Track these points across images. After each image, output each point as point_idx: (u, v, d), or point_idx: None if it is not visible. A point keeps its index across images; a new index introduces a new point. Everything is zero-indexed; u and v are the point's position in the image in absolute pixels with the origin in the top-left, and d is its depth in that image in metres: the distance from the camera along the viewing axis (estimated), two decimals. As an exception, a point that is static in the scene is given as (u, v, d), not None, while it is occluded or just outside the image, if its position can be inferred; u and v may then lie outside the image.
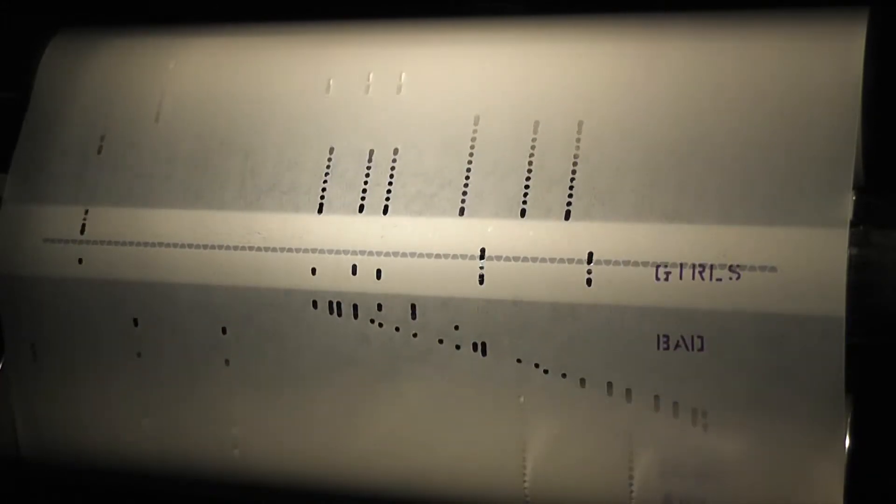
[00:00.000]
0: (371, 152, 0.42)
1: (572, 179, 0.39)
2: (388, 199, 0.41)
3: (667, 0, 0.43)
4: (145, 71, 0.46)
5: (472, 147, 0.41)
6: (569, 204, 0.39)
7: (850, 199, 0.37)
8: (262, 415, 0.43)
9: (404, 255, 0.41)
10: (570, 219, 0.39)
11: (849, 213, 0.37)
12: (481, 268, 0.40)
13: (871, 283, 0.37)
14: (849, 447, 0.38)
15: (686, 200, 0.38)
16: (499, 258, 0.40)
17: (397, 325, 0.41)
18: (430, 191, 0.41)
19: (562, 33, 0.43)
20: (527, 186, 0.40)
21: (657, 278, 0.38)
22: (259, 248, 0.42)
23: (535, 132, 0.40)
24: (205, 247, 0.43)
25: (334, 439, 0.43)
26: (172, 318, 0.43)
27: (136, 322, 0.44)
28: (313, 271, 0.41)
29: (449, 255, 0.40)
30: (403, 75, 0.42)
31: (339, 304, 0.41)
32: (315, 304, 0.41)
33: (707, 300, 0.37)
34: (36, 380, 0.46)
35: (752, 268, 0.37)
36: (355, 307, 0.41)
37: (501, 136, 0.41)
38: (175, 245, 0.43)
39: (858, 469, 0.38)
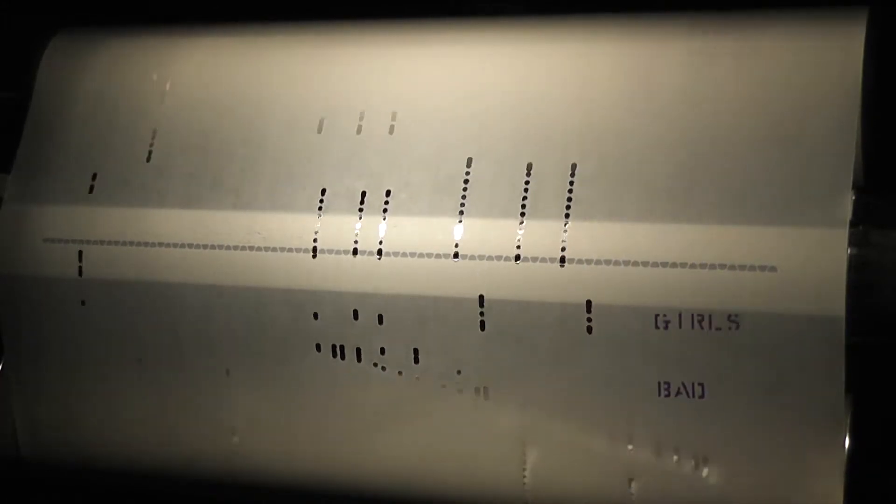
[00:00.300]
0: (363, 194, 0.41)
1: (566, 224, 0.39)
2: (381, 242, 0.41)
3: (666, 0, 0.43)
4: (138, 103, 0.45)
5: (465, 189, 0.40)
6: (563, 249, 0.39)
7: (849, 199, 0.37)
8: (260, 412, 0.43)
9: (404, 299, 0.41)
10: (566, 265, 0.39)
11: (848, 213, 0.37)
12: (482, 314, 0.40)
13: (871, 283, 0.37)
14: (849, 447, 0.38)
15: (687, 205, 0.38)
16: (498, 304, 0.40)
17: (400, 370, 0.41)
18: (424, 234, 0.40)
19: (555, 62, 0.42)
20: (521, 231, 0.40)
21: (656, 326, 0.38)
22: (259, 248, 0.42)
23: (528, 174, 0.40)
24: (205, 247, 0.43)
25: (335, 452, 0.43)
26: (172, 318, 0.43)
27: (134, 322, 0.44)
28: (315, 315, 0.41)
29: (448, 300, 0.40)
30: (396, 115, 0.42)
31: (342, 347, 0.41)
32: (319, 347, 0.42)
33: (707, 349, 0.38)
34: (36, 380, 0.46)
35: (752, 268, 0.37)
36: (358, 351, 0.41)
37: (494, 178, 0.40)
38: (175, 245, 0.43)
39: (858, 469, 0.38)
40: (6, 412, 0.47)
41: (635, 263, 0.38)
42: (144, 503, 0.49)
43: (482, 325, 0.40)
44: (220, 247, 0.42)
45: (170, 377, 0.44)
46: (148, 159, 0.44)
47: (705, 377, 0.38)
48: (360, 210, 0.41)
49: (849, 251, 0.36)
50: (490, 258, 0.40)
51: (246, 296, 0.42)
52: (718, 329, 0.37)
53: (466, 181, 0.40)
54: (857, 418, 0.39)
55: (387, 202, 0.41)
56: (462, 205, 0.40)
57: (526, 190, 0.40)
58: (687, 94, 0.40)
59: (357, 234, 0.41)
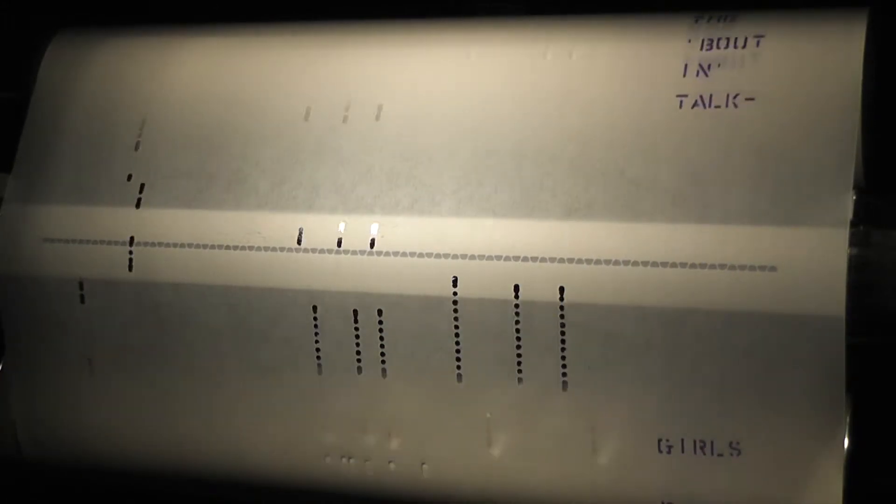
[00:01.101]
0: (355, 312, 0.41)
1: (563, 349, 0.39)
2: (383, 360, 0.41)
3: (667, 1, 0.43)
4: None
5: (455, 311, 0.40)
6: (564, 375, 0.39)
7: (850, 199, 0.37)
8: (261, 413, 0.43)
9: (412, 420, 0.41)
10: (568, 389, 0.39)
11: (849, 213, 0.37)
12: (488, 434, 0.40)
13: (871, 283, 0.37)
14: (848, 447, 0.38)
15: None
16: (505, 426, 0.40)
17: (408, 487, 0.42)
18: (424, 354, 0.40)
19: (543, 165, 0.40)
20: (518, 354, 0.40)
21: (660, 451, 0.39)
22: (259, 248, 0.42)
23: (516, 296, 0.39)
24: (205, 247, 0.43)
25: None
26: (173, 317, 0.43)
27: (136, 322, 0.44)
28: (322, 427, 0.42)
29: (455, 422, 0.41)
30: (374, 228, 0.41)
31: (350, 458, 0.42)
32: (327, 458, 0.42)
33: (709, 474, 0.38)
34: (36, 380, 0.46)
35: (752, 268, 0.37)
36: (367, 462, 0.42)
37: (483, 299, 0.40)
38: (175, 245, 0.43)
39: (858, 469, 0.38)
40: (6, 412, 0.47)
41: (635, 263, 0.38)
42: (144, 503, 0.49)
43: (489, 442, 0.41)
44: (220, 247, 0.42)
45: (170, 377, 0.44)
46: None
47: (707, 501, 0.39)
48: (356, 329, 0.41)
49: (849, 251, 0.36)
50: (492, 380, 0.40)
51: (246, 296, 0.42)
52: (720, 455, 0.38)
53: (456, 303, 0.40)
54: (856, 418, 0.39)
55: (381, 321, 0.41)
56: (456, 326, 0.40)
57: (517, 315, 0.39)
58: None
59: (359, 354, 0.41)
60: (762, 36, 0.39)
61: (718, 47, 0.40)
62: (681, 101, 0.39)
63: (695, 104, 0.39)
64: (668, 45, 0.40)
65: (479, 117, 0.41)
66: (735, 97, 0.39)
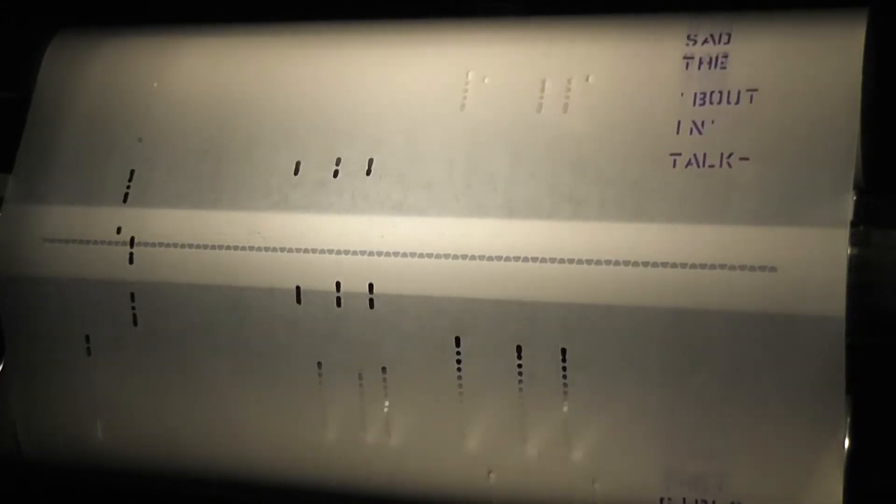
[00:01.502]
0: (360, 373, 0.41)
1: (565, 400, 0.39)
2: (388, 419, 0.41)
3: (666, 0, 0.43)
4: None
5: (459, 370, 0.40)
6: (567, 430, 0.39)
7: (850, 199, 0.37)
8: (263, 414, 0.43)
9: (415, 481, 0.42)
10: (573, 450, 0.40)
11: (849, 213, 0.37)
12: (490, 478, 0.41)
13: (871, 283, 0.37)
14: (849, 447, 0.38)
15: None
16: (506, 476, 0.40)
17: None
18: (430, 415, 0.41)
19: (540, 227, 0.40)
20: (522, 414, 0.40)
21: None
22: (259, 248, 0.42)
23: (518, 357, 0.40)
24: (205, 247, 0.43)
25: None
26: (172, 317, 0.43)
27: (135, 322, 0.44)
28: (326, 477, 0.43)
29: (456, 479, 0.41)
30: (373, 287, 0.41)
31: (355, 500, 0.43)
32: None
33: None
34: (37, 380, 0.46)
35: (752, 268, 0.37)
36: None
37: (485, 359, 0.40)
38: (175, 245, 0.43)
39: (858, 469, 0.38)
40: (6, 412, 0.47)
41: (635, 264, 0.38)
42: (144, 503, 0.49)
43: (490, 491, 0.41)
44: (220, 247, 0.42)
45: (170, 377, 0.44)
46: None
47: None
48: (361, 387, 0.41)
49: (849, 251, 0.36)
50: (496, 438, 0.40)
51: (246, 296, 0.42)
52: None
53: (459, 361, 0.40)
54: (856, 419, 0.39)
55: (385, 379, 0.41)
56: (460, 386, 0.40)
57: (520, 374, 0.40)
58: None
59: (365, 415, 0.42)
60: (755, 90, 0.39)
61: (711, 102, 0.39)
62: (674, 161, 0.39)
63: (688, 163, 0.39)
64: (661, 102, 0.40)
65: (470, 173, 0.41)
66: (729, 157, 0.38)
